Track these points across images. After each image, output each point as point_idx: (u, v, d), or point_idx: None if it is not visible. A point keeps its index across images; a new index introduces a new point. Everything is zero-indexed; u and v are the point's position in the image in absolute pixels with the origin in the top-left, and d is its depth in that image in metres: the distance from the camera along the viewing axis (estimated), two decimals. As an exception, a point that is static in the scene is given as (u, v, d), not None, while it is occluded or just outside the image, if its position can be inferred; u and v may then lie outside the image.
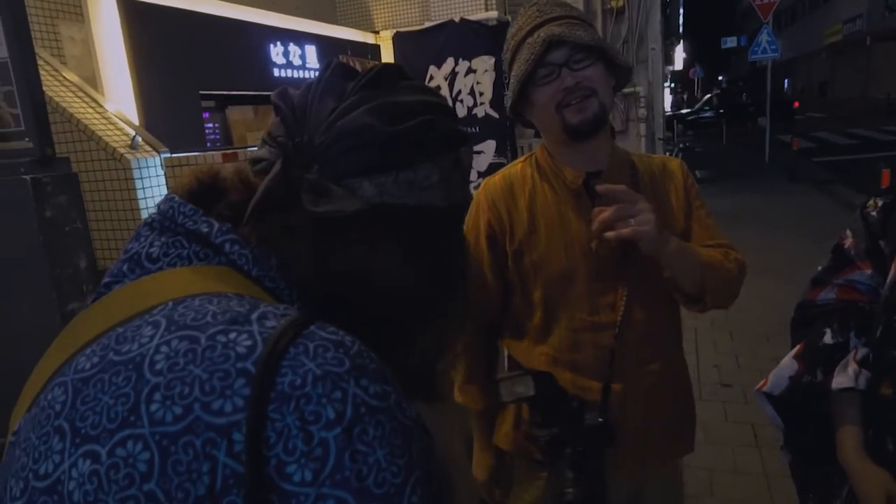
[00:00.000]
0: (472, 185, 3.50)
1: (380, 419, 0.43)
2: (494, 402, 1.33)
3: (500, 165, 4.04)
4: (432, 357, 0.63)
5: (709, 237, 1.27)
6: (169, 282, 0.50)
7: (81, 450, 0.41)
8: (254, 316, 0.46)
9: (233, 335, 0.44)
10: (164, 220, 0.54)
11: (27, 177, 1.52)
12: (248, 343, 0.43)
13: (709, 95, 24.02)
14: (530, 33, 1.16)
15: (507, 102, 1.22)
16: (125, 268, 0.53)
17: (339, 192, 0.52)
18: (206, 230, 0.52)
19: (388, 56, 4.08)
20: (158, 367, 0.43)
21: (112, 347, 0.45)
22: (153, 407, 0.41)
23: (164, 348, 0.43)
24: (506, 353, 1.40)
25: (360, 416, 0.42)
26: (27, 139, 1.58)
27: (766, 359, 3.46)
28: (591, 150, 1.21)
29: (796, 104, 17.13)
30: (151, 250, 0.53)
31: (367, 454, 0.42)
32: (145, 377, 0.42)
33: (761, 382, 1.19)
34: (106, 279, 0.53)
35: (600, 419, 1.14)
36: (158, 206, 0.55)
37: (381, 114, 0.53)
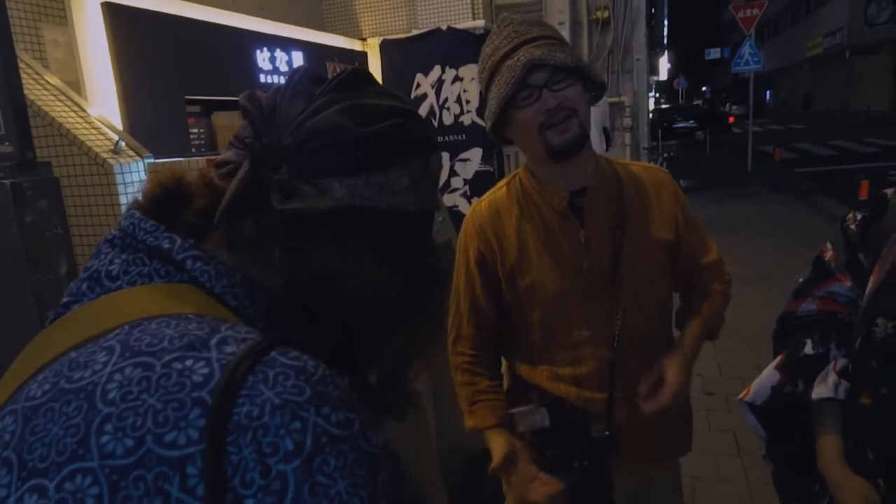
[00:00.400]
0: (458, 193, 3.50)
1: (342, 449, 0.42)
2: (505, 414, 1.33)
3: (487, 173, 4.05)
4: (404, 363, 0.62)
5: (705, 249, 1.33)
6: (127, 302, 0.49)
7: (28, 484, 0.39)
8: (213, 341, 0.44)
9: (189, 362, 0.42)
10: (125, 236, 0.53)
11: (7, 181, 1.50)
12: (205, 371, 0.42)
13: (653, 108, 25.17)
14: (508, 55, 1.15)
15: (487, 123, 1.22)
16: (84, 287, 0.51)
17: (309, 192, 0.51)
18: (167, 246, 0.51)
19: (375, 63, 4.08)
20: (111, 396, 0.41)
21: (64, 374, 0.43)
22: (104, 439, 0.39)
23: (117, 376, 0.42)
24: (504, 367, 1.41)
25: (320, 447, 0.41)
26: (7, 143, 1.56)
27: (749, 367, 3.49)
28: (574, 167, 1.22)
29: (731, 119, 18.82)
30: (111, 268, 0.51)
31: (328, 486, 0.40)
32: (97, 407, 0.40)
33: (743, 392, 1.20)
34: (65, 298, 0.52)
35: (607, 432, 1.16)
36: (119, 222, 0.54)
37: (351, 114, 0.52)
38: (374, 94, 0.56)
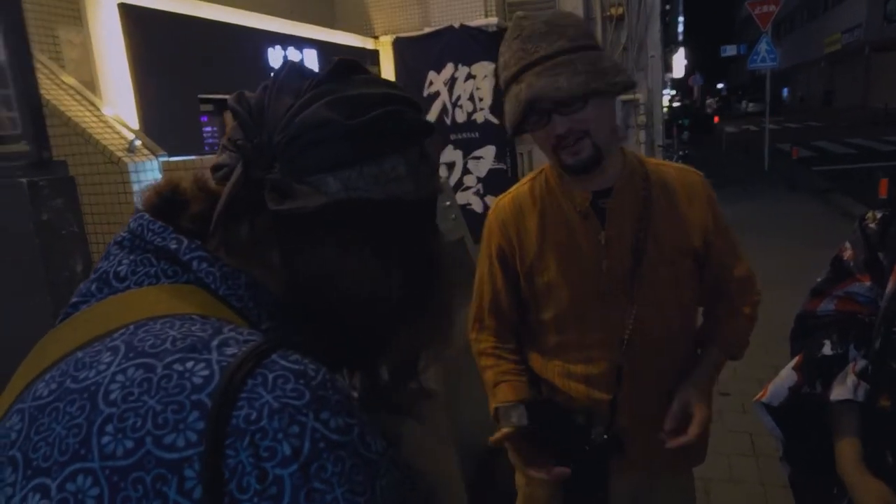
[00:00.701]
0: (471, 191, 3.49)
1: (340, 455, 0.41)
2: (528, 396, 1.31)
3: (500, 171, 4.04)
4: (411, 359, 0.61)
5: (735, 260, 1.29)
6: (134, 303, 0.49)
7: (32, 483, 0.40)
8: (214, 343, 0.44)
9: (190, 364, 0.42)
10: (134, 238, 0.53)
11: (24, 180, 1.51)
12: (205, 373, 0.41)
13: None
14: (515, 79, 1.11)
15: (508, 133, 1.19)
16: (93, 287, 0.51)
17: (303, 190, 0.50)
18: (174, 247, 0.51)
19: (387, 61, 4.09)
20: (112, 397, 0.41)
21: (70, 374, 0.44)
22: (104, 440, 0.39)
23: (119, 377, 0.42)
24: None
25: (318, 452, 0.40)
26: (24, 142, 1.58)
27: (764, 367, 3.45)
28: (596, 173, 1.19)
29: (716, 119, 18.62)
30: (119, 269, 0.51)
31: (325, 492, 0.40)
32: (99, 407, 0.41)
33: (760, 393, 1.19)
34: (74, 299, 0.52)
35: (605, 436, 1.15)
36: (128, 224, 0.54)
37: (340, 107, 0.51)
38: (363, 84, 0.55)
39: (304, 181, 0.50)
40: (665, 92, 14.46)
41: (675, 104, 25.92)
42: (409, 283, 0.56)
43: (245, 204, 0.51)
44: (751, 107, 31.14)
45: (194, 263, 0.50)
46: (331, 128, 0.50)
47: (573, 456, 1.13)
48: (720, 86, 55.31)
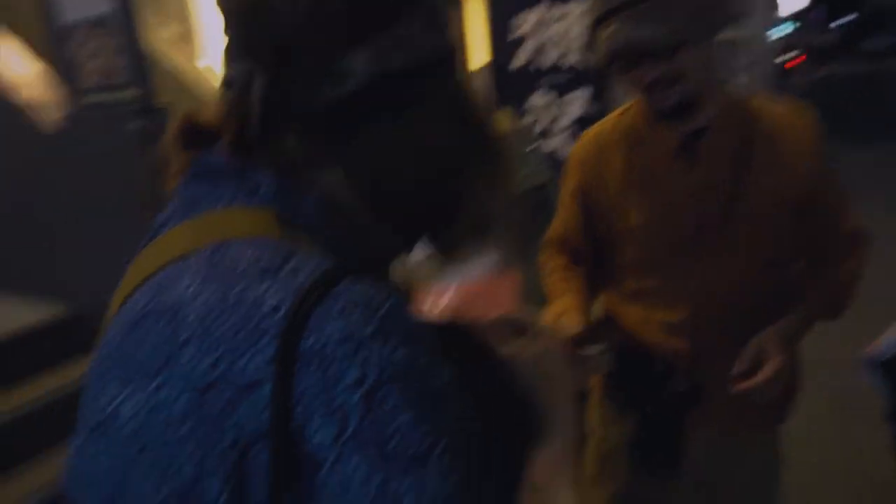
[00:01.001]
0: (561, 136, 3.37)
1: (405, 383, 0.41)
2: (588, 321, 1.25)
3: (592, 116, 3.89)
4: (482, 214, 0.58)
5: (842, 214, 1.18)
6: (209, 226, 0.50)
7: (127, 390, 0.43)
8: (286, 268, 0.44)
9: (263, 288, 0.43)
10: (206, 170, 0.53)
11: (133, 124, 1.62)
12: (277, 298, 0.42)
13: None
14: (600, 22, 1.04)
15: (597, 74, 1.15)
16: (173, 213, 0.53)
17: (334, 75, 0.48)
18: (244, 170, 0.51)
19: (476, 2, 3.99)
20: (192, 318, 0.43)
21: (155, 293, 0.46)
22: (186, 358, 0.41)
23: (199, 298, 0.43)
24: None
25: (383, 380, 0.41)
26: (133, 89, 1.68)
27: (856, 329, 3.21)
28: (691, 117, 1.10)
29: (788, 65, 16.07)
30: (196, 193, 0.52)
31: (390, 420, 0.40)
32: (181, 327, 0.43)
33: (871, 346, 1.11)
34: (157, 223, 0.54)
35: (681, 388, 1.11)
36: (198, 159, 0.54)
37: None
38: None
39: (334, 65, 0.48)
40: (777, 28, 13.23)
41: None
42: (462, 138, 0.54)
43: (278, 113, 0.49)
44: (880, 43, 27.94)
45: (263, 186, 0.50)
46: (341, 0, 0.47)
47: (650, 404, 1.10)
48: (850, 18, 49.84)
